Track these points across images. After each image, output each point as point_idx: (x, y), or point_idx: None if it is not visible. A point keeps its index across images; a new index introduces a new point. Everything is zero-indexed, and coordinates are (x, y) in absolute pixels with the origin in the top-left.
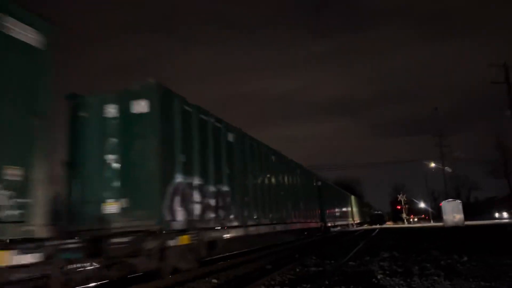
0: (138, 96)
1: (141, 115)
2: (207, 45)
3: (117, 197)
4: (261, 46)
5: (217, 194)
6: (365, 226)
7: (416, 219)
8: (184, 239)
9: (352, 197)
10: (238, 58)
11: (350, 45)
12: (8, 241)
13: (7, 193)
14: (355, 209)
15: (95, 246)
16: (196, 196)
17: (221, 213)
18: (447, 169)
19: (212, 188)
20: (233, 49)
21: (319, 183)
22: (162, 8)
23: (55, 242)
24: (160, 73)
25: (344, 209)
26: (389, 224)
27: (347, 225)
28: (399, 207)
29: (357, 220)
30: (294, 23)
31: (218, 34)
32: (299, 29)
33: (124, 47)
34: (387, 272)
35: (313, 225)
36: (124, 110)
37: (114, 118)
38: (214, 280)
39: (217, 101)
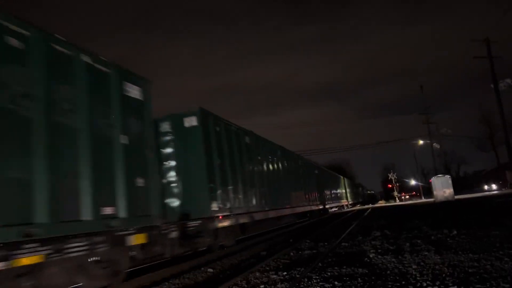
0: None
1: None
2: (190, 38)
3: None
4: (244, 36)
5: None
6: (358, 207)
7: (407, 197)
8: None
9: (344, 179)
10: (222, 49)
11: (333, 31)
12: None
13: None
14: (348, 190)
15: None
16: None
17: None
18: (435, 145)
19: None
20: (217, 41)
21: (316, 171)
22: (143, 3)
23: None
24: (144, 68)
25: (339, 192)
26: (381, 203)
27: (343, 206)
28: (390, 186)
29: (350, 201)
30: (276, 11)
31: (200, 26)
32: (281, 17)
33: (107, 45)
34: (379, 250)
35: (314, 207)
36: None
37: None
38: (210, 270)
39: (204, 93)
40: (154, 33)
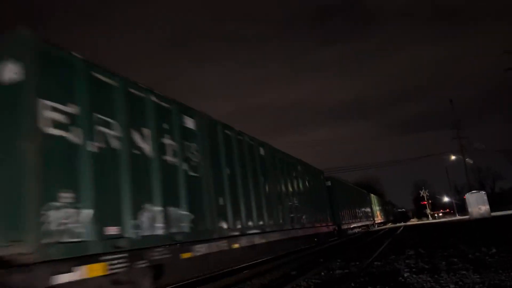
0: None
1: None
2: (218, 62)
3: None
4: (270, 58)
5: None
6: (389, 225)
7: (441, 214)
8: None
9: (371, 195)
10: (249, 71)
11: (357, 49)
12: None
13: None
14: (376, 208)
15: None
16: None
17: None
18: (468, 161)
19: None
20: (244, 64)
21: (329, 182)
22: (173, 30)
23: None
24: (174, 92)
25: (363, 209)
26: (413, 221)
27: (368, 225)
28: (422, 203)
29: (379, 219)
30: (300, 33)
31: (228, 50)
32: (305, 38)
33: (137, 71)
34: (414, 269)
35: (323, 229)
36: None
37: None
38: None
39: (233, 114)
40: (184, 59)
